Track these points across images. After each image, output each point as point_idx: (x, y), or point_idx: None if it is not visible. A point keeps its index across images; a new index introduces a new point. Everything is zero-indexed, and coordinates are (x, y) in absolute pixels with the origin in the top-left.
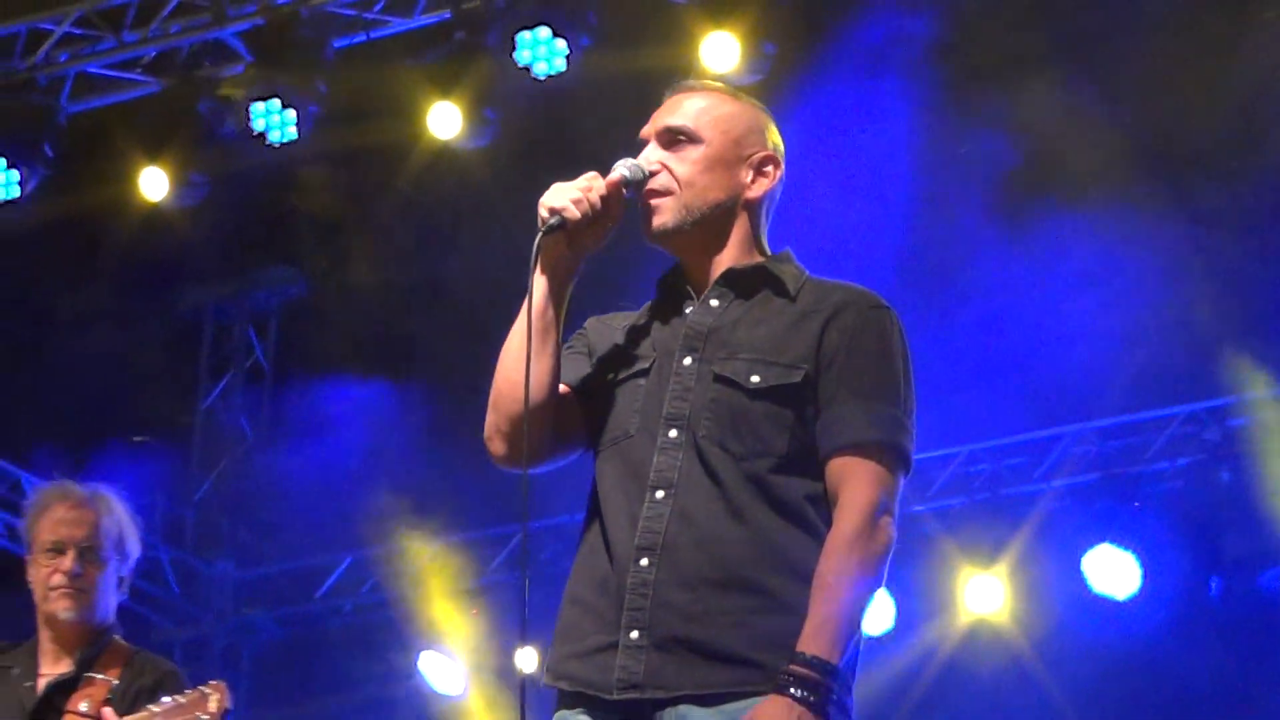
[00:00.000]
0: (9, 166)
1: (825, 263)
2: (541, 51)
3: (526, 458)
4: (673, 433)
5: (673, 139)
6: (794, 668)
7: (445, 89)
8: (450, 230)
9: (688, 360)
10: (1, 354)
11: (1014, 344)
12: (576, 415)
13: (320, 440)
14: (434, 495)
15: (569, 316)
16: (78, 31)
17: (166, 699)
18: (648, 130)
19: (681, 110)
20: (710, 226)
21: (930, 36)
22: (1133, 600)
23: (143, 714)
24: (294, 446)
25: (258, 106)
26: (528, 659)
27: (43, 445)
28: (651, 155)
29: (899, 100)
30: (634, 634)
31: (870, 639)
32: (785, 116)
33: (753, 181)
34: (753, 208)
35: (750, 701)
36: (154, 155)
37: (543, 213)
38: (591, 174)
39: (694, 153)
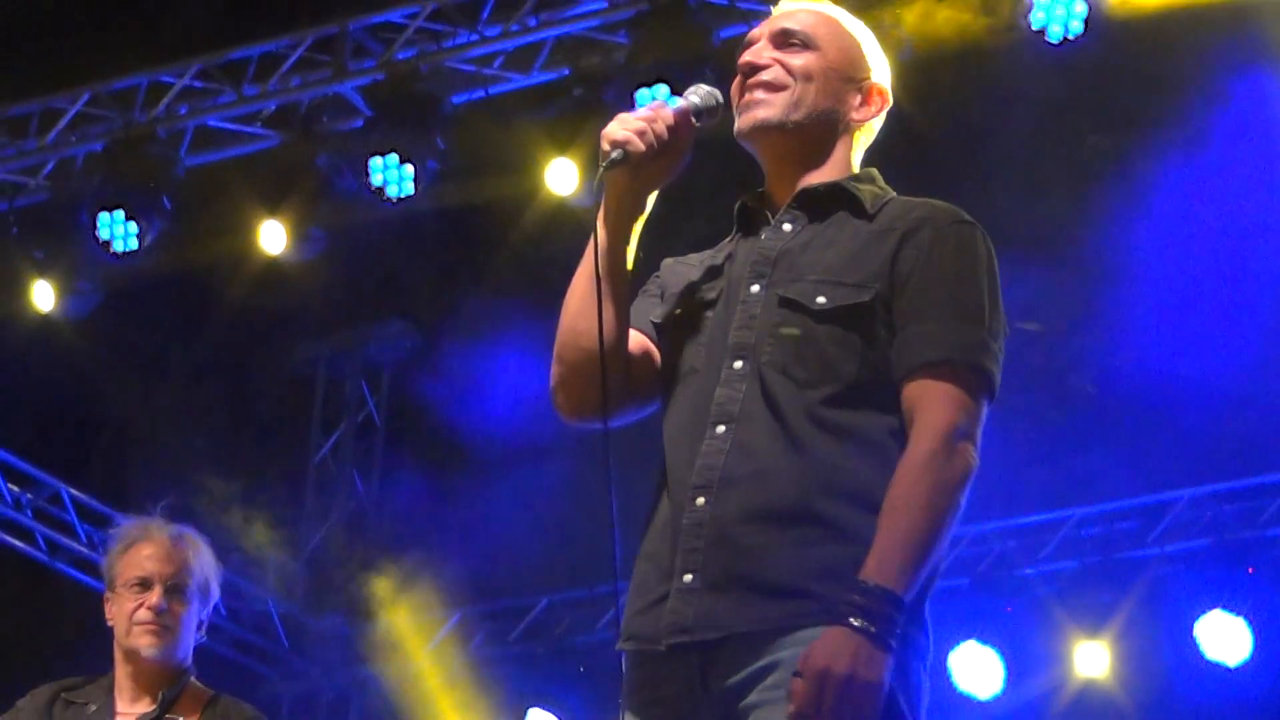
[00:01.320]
0: (128, 218)
1: None
2: None
3: (602, 409)
4: (737, 364)
5: (786, 41)
6: (854, 597)
7: (564, 145)
8: (564, 287)
9: (755, 287)
10: (117, 404)
11: (1127, 406)
12: (650, 362)
13: (432, 494)
14: (543, 552)
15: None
16: (198, 85)
17: None
18: (758, 31)
19: (798, 17)
20: (809, 134)
21: None
22: (1243, 667)
23: None
24: (405, 501)
25: (376, 161)
26: None
27: (155, 496)
28: (764, 52)
29: None
30: (687, 577)
31: (979, 702)
32: None
33: (861, 105)
34: (854, 132)
35: (808, 634)
36: (272, 209)
37: (604, 145)
38: (658, 101)
39: (809, 56)
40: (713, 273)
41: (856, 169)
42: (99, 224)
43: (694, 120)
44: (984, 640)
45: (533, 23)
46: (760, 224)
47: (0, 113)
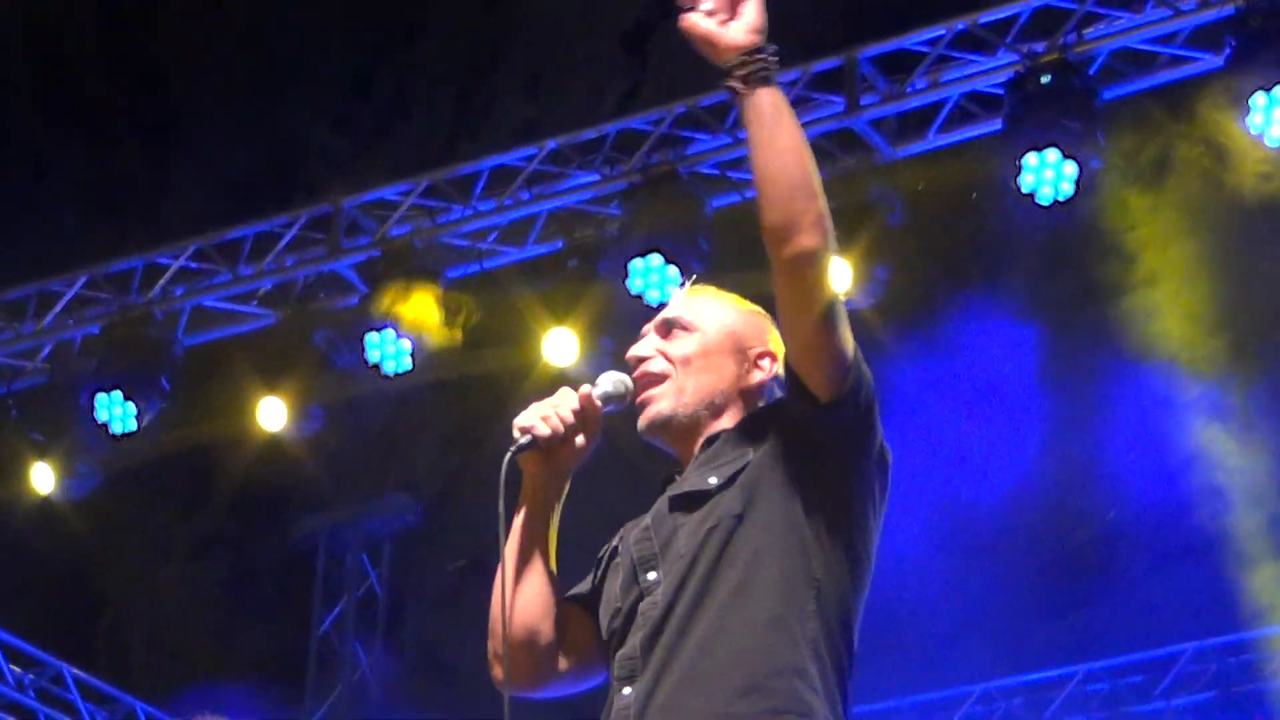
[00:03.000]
0: (126, 399)
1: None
2: (654, 279)
3: (510, 683)
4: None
5: (669, 331)
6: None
7: (560, 316)
8: None
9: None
10: (118, 584)
11: (1131, 561)
12: (588, 631)
13: (435, 670)
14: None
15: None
16: (194, 265)
17: None
18: (647, 327)
19: (679, 305)
20: (705, 410)
21: None
22: None
23: None
24: (408, 674)
25: (373, 337)
26: None
27: (156, 674)
28: (650, 343)
29: None
30: None
31: None
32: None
33: (749, 372)
34: (749, 398)
35: None
36: (271, 386)
37: (515, 432)
38: (565, 389)
39: (690, 339)
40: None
41: (736, 417)
42: (97, 405)
43: (600, 405)
44: None
45: (526, 196)
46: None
47: None
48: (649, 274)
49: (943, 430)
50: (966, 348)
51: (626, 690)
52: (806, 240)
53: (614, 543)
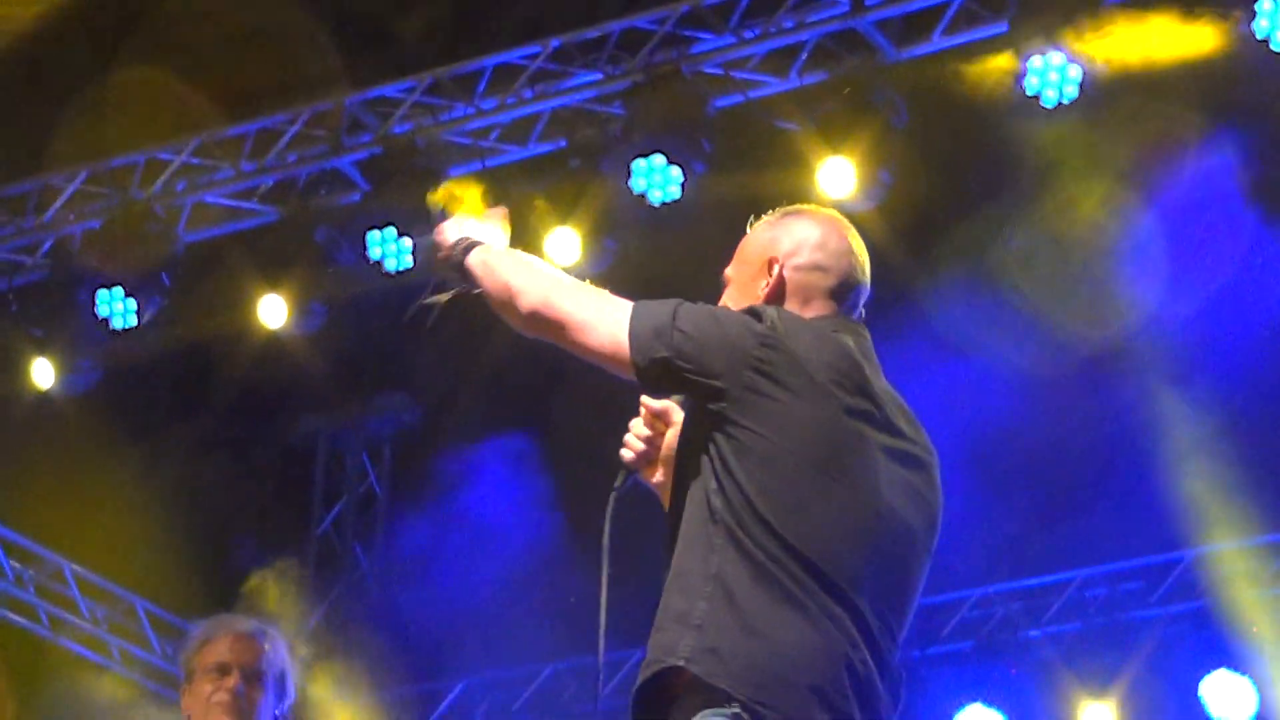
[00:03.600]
0: (127, 295)
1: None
2: (657, 179)
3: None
4: None
5: (724, 287)
6: None
7: (562, 216)
8: (558, 362)
9: None
10: (117, 482)
11: (1131, 467)
12: None
13: (433, 567)
14: (546, 619)
15: None
16: (195, 161)
17: None
18: None
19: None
20: None
21: None
22: None
23: None
24: (407, 573)
25: (374, 235)
26: None
27: (156, 572)
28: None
29: None
30: None
31: None
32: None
33: (766, 286)
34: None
35: None
36: (272, 283)
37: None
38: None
39: (728, 293)
40: None
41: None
42: (98, 301)
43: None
44: (989, 703)
45: (528, 95)
46: None
47: None
48: (651, 174)
49: (943, 334)
50: (969, 253)
51: None
52: (521, 306)
53: None
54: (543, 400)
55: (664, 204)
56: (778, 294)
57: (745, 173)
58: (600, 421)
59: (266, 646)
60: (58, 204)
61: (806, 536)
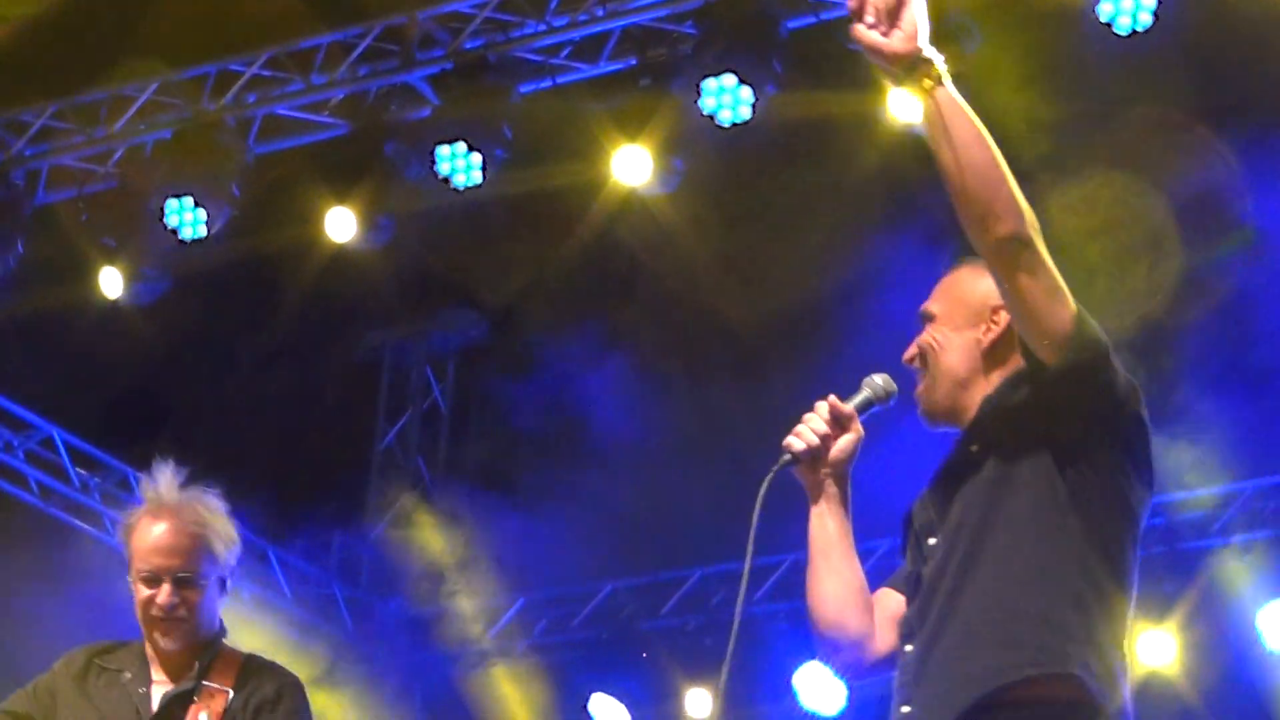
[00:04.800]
0: (196, 205)
1: None
2: (727, 100)
3: (852, 671)
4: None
5: (924, 323)
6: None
7: (631, 134)
8: (628, 275)
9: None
10: (184, 390)
11: (1192, 398)
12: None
13: (493, 481)
14: (608, 537)
15: None
16: (266, 73)
17: None
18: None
19: (931, 295)
20: (960, 389)
21: None
22: None
23: None
24: (469, 487)
25: (443, 150)
26: (701, 703)
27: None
28: (913, 344)
29: None
30: None
31: None
32: None
33: (987, 332)
34: (996, 353)
35: None
36: (340, 196)
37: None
38: (822, 401)
39: (935, 327)
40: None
41: (996, 380)
42: (167, 211)
43: (853, 410)
44: None
45: (600, 13)
46: None
47: (70, 101)
48: (721, 94)
49: None
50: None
51: (908, 648)
52: (1002, 228)
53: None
54: (605, 316)
55: (734, 125)
56: (1002, 342)
57: (815, 95)
58: (661, 335)
59: (194, 536)
60: (129, 113)
61: (1130, 567)
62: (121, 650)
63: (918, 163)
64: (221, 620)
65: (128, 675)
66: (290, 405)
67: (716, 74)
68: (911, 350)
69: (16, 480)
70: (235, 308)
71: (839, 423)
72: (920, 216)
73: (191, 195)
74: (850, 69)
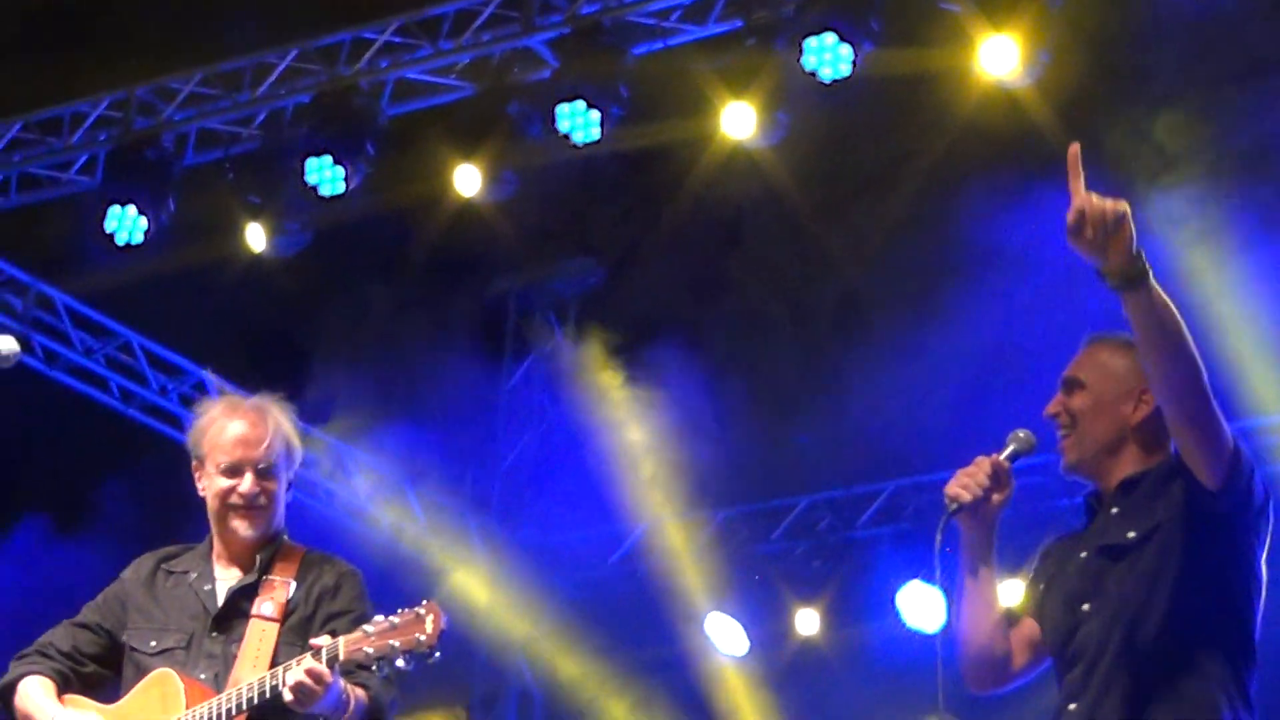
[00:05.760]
0: (335, 163)
1: None
2: (827, 57)
3: (986, 684)
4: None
5: (1070, 388)
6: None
7: (738, 91)
8: (735, 224)
9: (1083, 554)
10: (324, 338)
11: None
12: (1035, 633)
13: (614, 417)
14: (721, 468)
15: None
16: (397, 40)
17: (380, 618)
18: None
19: (1076, 362)
20: (1105, 453)
21: None
22: None
23: (357, 634)
24: (591, 422)
25: (563, 109)
26: (809, 622)
27: (360, 422)
28: (1056, 403)
29: None
30: None
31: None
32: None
33: (1136, 409)
34: (1140, 429)
35: None
36: (467, 154)
37: (947, 499)
38: (979, 458)
39: (1083, 395)
40: (1065, 551)
41: (1160, 446)
42: (307, 169)
43: (1010, 464)
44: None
45: None
46: (1094, 513)
47: (216, 68)
48: (822, 51)
49: None
50: (1119, 131)
51: (1072, 706)
52: (1192, 401)
53: (1039, 562)
54: (718, 264)
55: (834, 80)
56: (1150, 420)
57: (910, 50)
58: (772, 284)
59: (272, 431)
60: (271, 79)
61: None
62: (187, 553)
63: (1008, 114)
64: (283, 519)
65: (193, 575)
66: (422, 351)
67: (817, 33)
68: (1057, 408)
69: (99, 384)
70: (370, 259)
71: (998, 478)
72: (1011, 166)
73: (330, 154)
74: (943, 26)
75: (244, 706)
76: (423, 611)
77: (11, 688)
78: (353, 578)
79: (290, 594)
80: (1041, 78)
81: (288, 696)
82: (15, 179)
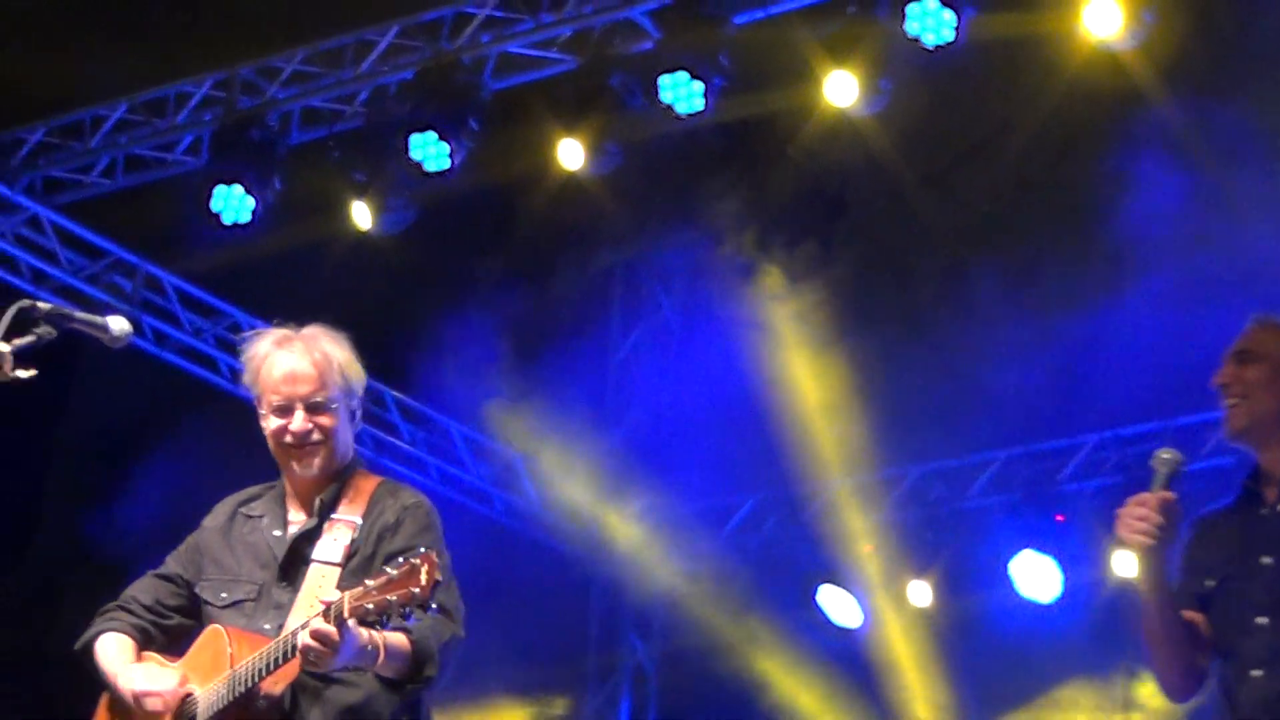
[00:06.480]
0: (440, 139)
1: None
2: (930, 23)
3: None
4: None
5: (1243, 359)
6: None
7: (840, 59)
8: (838, 192)
9: (1266, 559)
10: (429, 311)
11: None
12: (1205, 630)
13: (724, 388)
14: (831, 441)
15: None
16: (499, 14)
17: (384, 570)
18: (1228, 353)
19: (1248, 336)
20: (1275, 423)
21: None
22: None
23: (358, 590)
24: (700, 394)
25: (665, 80)
26: (922, 593)
27: (467, 396)
28: (1225, 372)
29: None
30: None
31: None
32: None
33: None
34: None
35: None
36: (570, 127)
37: (1129, 545)
38: (1144, 496)
39: (1256, 369)
40: (1224, 543)
41: None
42: (411, 145)
43: (1171, 482)
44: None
45: None
46: (1257, 500)
47: (318, 46)
48: (925, 17)
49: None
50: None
51: (1254, 673)
52: None
53: (1194, 541)
54: (823, 234)
55: (937, 46)
56: None
57: (1013, 14)
58: (878, 255)
59: (320, 362)
60: (373, 56)
61: None
62: (264, 495)
63: (1111, 77)
64: (355, 450)
65: (266, 519)
66: (529, 323)
67: None
68: (1229, 378)
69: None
70: (476, 233)
71: (1170, 512)
72: (1116, 129)
73: (434, 130)
74: None
75: (270, 668)
76: (417, 562)
77: (90, 645)
78: (415, 511)
79: (354, 534)
80: (1146, 39)
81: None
82: (122, 160)
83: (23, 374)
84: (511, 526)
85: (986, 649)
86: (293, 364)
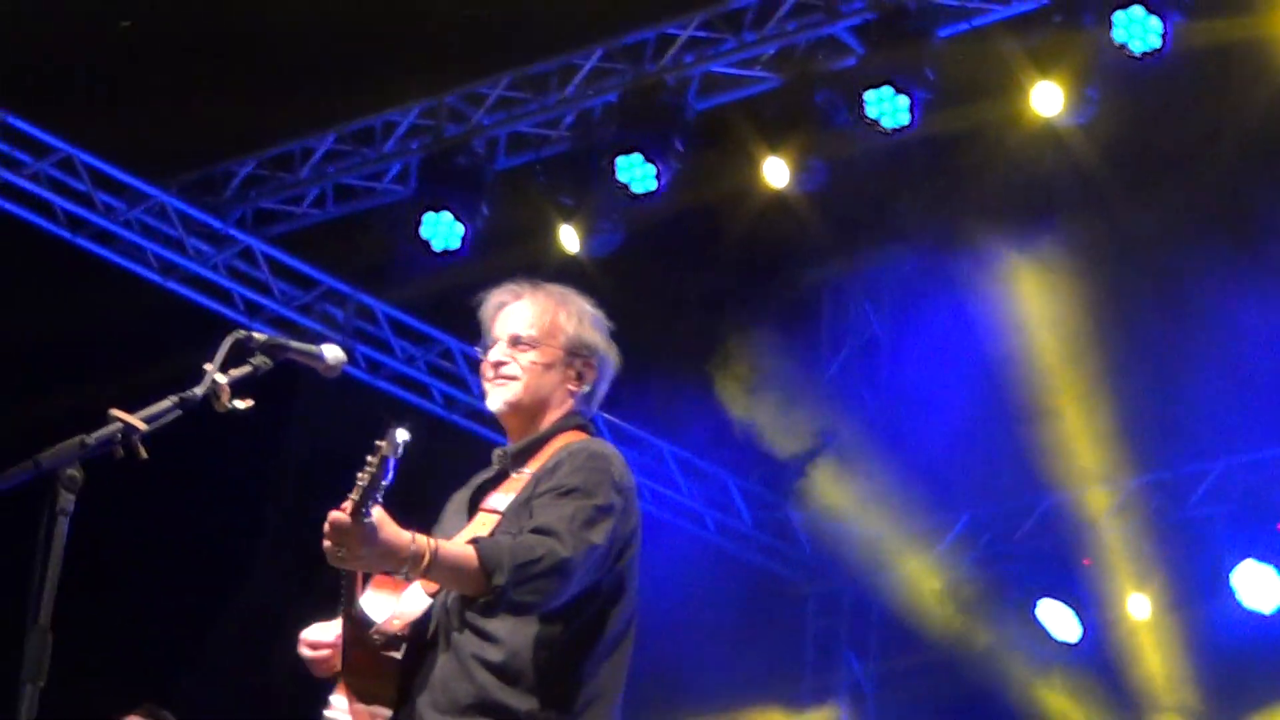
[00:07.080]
0: (645, 161)
1: None
2: (1136, 30)
3: None
4: None
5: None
6: None
7: (1045, 69)
8: (1046, 205)
9: None
10: (637, 338)
11: None
12: None
13: (933, 405)
14: (1046, 455)
15: None
16: (701, 34)
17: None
18: None
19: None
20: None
21: None
22: None
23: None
24: (911, 412)
25: (871, 95)
26: (1141, 606)
27: (678, 411)
28: None
29: None
30: None
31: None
32: None
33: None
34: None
35: None
36: (775, 146)
37: None
38: None
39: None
40: None
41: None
42: (618, 168)
43: None
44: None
45: None
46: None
47: (523, 72)
48: (1131, 24)
49: None
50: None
51: None
52: None
53: None
54: (1027, 244)
55: (1144, 53)
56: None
57: (1221, 20)
58: (1080, 260)
59: (532, 308)
60: (577, 79)
61: None
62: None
63: None
64: (582, 416)
65: (479, 479)
66: (738, 343)
67: (1125, 6)
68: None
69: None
70: (682, 254)
71: None
72: None
73: (640, 152)
74: None
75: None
76: (381, 443)
77: None
78: (578, 454)
79: (523, 489)
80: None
81: None
82: (331, 190)
83: (240, 405)
84: (724, 546)
85: (1208, 661)
86: (505, 298)
